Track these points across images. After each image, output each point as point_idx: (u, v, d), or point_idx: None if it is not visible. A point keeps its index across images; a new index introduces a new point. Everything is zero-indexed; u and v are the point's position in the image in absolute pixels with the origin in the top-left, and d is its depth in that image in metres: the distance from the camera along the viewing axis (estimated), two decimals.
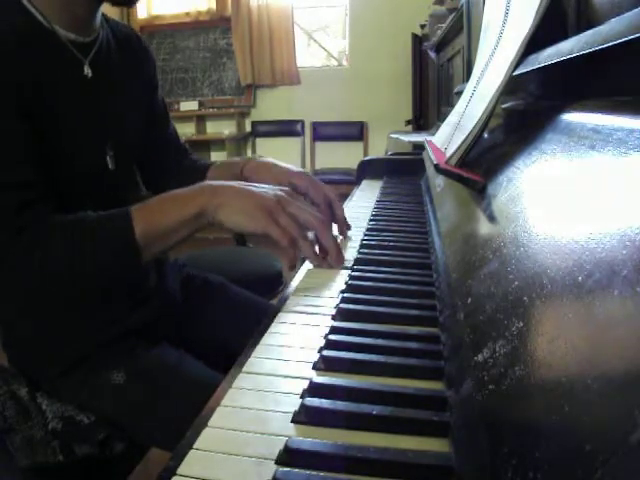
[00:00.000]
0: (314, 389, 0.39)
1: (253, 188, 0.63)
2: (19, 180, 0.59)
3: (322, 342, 0.46)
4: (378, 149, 3.71)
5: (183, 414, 0.44)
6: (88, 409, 0.71)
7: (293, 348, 0.48)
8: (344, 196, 1.13)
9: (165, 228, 0.60)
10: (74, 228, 0.59)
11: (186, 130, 3.98)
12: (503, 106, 0.76)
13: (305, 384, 0.40)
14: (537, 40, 0.53)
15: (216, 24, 4.09)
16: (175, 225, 0.60)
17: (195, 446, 0.34)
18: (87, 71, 0.71)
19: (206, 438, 0.35)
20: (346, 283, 0.60)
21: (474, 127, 0.62)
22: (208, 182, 0.63)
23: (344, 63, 4.22)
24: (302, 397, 0.39)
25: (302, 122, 4.11)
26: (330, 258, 0.65)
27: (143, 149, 0.85)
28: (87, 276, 0.60)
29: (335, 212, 0.78)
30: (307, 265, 0.69)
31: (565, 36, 0.47)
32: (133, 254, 0.59)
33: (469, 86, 0.80)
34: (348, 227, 0.80)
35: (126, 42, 0.82)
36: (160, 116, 0.91)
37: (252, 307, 0.90)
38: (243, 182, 0.66)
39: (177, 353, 0.74)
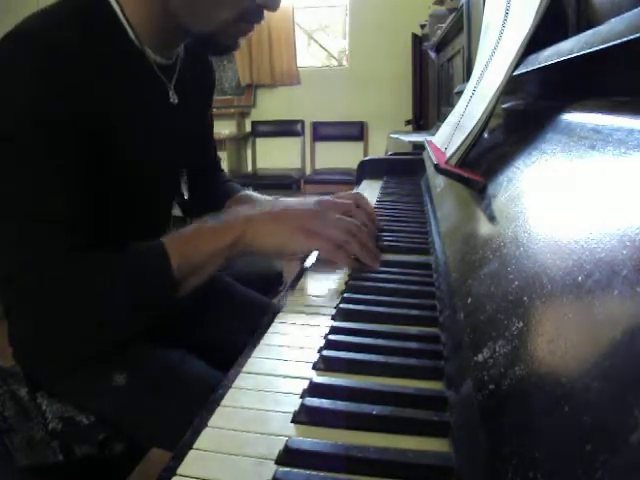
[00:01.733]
0: (314, 389, 0.39)
1: (288, 207, 0.62)
2: (68, 216, 0.57)
3: (322, 342, 0.47)
4: (378, 149, 3.71)
5: (184, 414, 0.44)
6: (89, 410, 0.71)
7: (293, 348, 0.48)
8: None
9: (200, 261, 0.59)
10: (111, 264, 0.58)
11: None
12: (503, 106, 0.76)
13: (305, 384, 0.40)
14: (537, 40, 0.53)
15: None
16: (210, 257, 0.59)
17: (195, 446, 0.34)
18: (172, 97, 0.70)
19: (206, 438, 0.35)
20: (346, 283, 0.60)
21: (474, 127, 0.62)
22: (242, 210, 0.62)
23: (344, 63, 4.22)
24: (302, 397, 0.39)
25: (302, 122, 4.11)
26: (366, 260, 0.64)
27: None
28: (122, 312, 0.59)
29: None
30: (307, 265, 0.69)
31: (565, 36, 0.47)
32: (170, 289, 0.58)
33: (469, 86, 0.80)
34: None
35: (198, 59, 0.79)
36: (208, 132, 0.90)
37: (257, 306, 0.90)
38: (277, 202, 0.65)
39: (179, 353, 0.73)
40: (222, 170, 0.99)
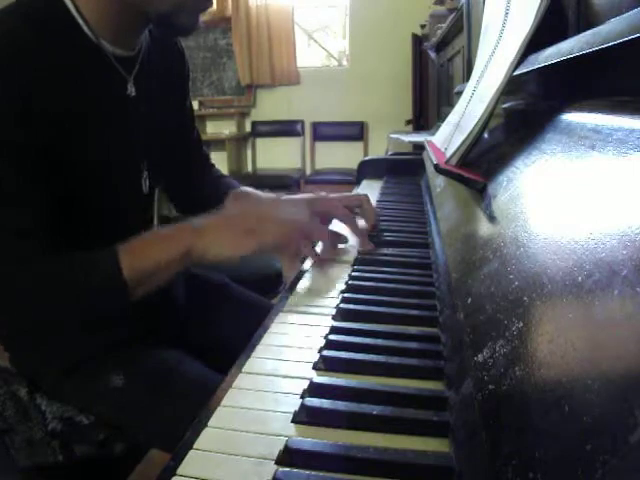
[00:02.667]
0: (314, 389, 0.39)
1: (240, 210, 0.64)
2: (19, 226, 0.58)
3: (322, 342, 0.47)
4: (378, 149, 3.71)
5: (183, 415, 0.44)
6: (88, 411, 0.71)
7: (293, 348, 0.48)
8: None
9: (152, 268, 0.59)
10: (64, 267, 0.59)
11: None
12: (503, 106, 0.76)
13: (305, 384, 0.40)
14: (537, 40, 0.53)
15: (216, 24, 4.09)
16: (162, 265, 0.59)
17: (195, 446, 0.34)
18: (130, 90, 0.69)
19: (206, 438, 0.35)
20: (346, 283, 0.60)
21: (474, 127, 0.62)
22: (190, 222, 0.62)
23: (344, 63, 4.22)
24: (302, 397, 0.39)
25: (302, 122, 4.11)
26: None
27: (171, 163, 0.83)
28: (75, 312, 0.60)
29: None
30: (307, 265, 0.69)
31: (565, 36, 0.47)
32: (121, 294, 0.58)
33: (469, 86, 0.80)
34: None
35: (165, 48, 0.78)
36: (186, 123, 0.89)
37: (255, 307, 0.90)
38: (230, 207, 0.67)
39: (177, 354, 0.73)
40: (213, 165, 0.97)
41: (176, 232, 0.61)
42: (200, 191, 0.92)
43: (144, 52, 0.72)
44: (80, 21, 0.62)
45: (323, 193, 0.76)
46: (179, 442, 0.35)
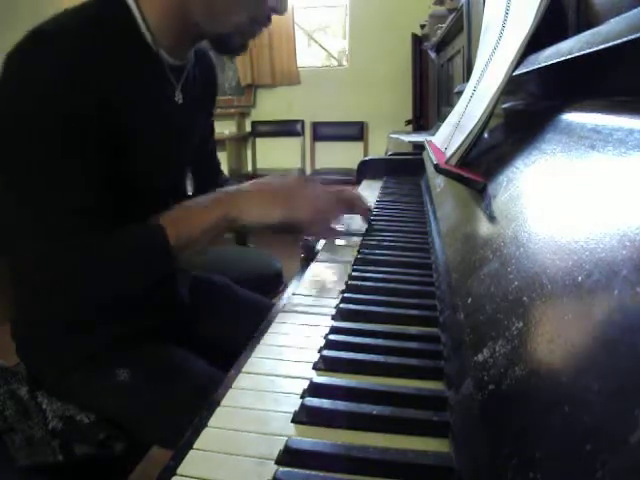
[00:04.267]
0: (314, 389, 0.39)
1: (269, 180, 0.69)
2: (79, 206, 0.61)
3: (322, 342, 0.47)
4: (378, 149, 3.71)
5: (186, 412, 0.44)
6: (91, 407, 0.71)
7: (293, 348, 0.48)
8: None
9: (194, 235, 0.64)
10: (116, 240, 0.63)
11: None
12: (503, 106, 0.76)
13: (305, 384, 0.40)
14: (537, 40, 0.53)
15: None
16: (203, 231, 0.64)
17: (195, 446, 0.34)
18: (178, 97, 0.73)
19: (206, 438, 0.35)
20: (346, 283, 0.60)
21: (474, 127, 0.62)
22: (225, 189, 0.68)
23: (344, 63, 4.21)
24: (302, 397, 0.39)
25: (302, 122, 4.11)
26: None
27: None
28: (126, 283, 0.63)
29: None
30: (306, 266, 0.69)
31: (565, 36, 0.47)
32: (169, 262, 0.63)
33: (469, 86, 0.80)
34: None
35: (202, 61, 0.83)
36: (209, 132, 0.94)
37: (256, 307, 0.90)
38: (264, 178, 0.72)
39: (181, 352, 0.74)
40: (222, 172, 1.02)
41: (212, 199, 0.66)
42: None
43: (190, 62, 0.77)
44: (144, 29, 0.66)
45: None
46: (182, 440, 0.35)
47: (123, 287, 0.63)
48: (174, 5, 0.66)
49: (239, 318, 0.86)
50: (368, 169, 1.40)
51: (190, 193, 0.79)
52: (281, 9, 0.69)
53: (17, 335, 0.75)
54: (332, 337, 0.47)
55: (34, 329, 0.74)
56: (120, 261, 0.62)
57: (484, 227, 0.46)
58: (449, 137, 0.81)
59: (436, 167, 0.74)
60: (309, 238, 0.75)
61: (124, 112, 0.64)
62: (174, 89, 0.73)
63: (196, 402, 0.41)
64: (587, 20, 0.52)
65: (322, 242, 0.81)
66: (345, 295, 0.57)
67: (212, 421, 0.37)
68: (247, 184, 0.68)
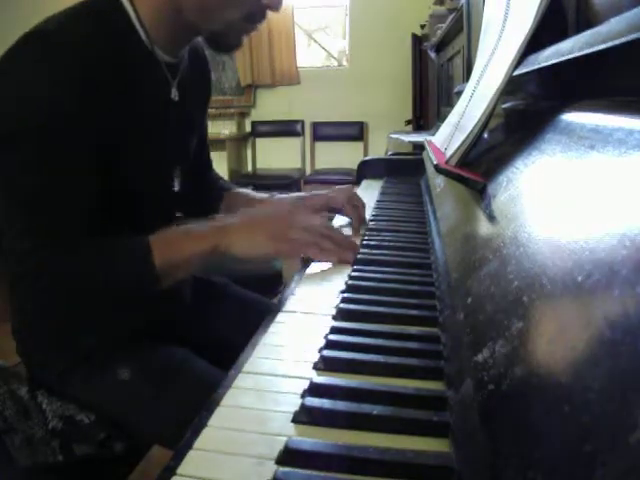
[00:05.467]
0: (314, 389, 0.39)
1: (260, 216, 0.69)
2: (76, 208, 0.62)
3: (322, 342, 0.46)
4: (378, 149, 3.70)
5: (187, 411, 0.44)
6: (91, 407, 0.71)
7: (293, 348, 0.48)
8: None
9: (180, 261, 0.64)
10: (99, 250, 0.63)
11: None
12: (503, 106, 0.76)
13: (305, 384, 0.40)
14: (537, 40, 0.53)
15: None
16: (190, 259, 0.64)
17: (195, 446, 0.34)
18: (174, 94, 0.74)
19: (206, 438, 0.35)
20: (346, 283, 0.60)
21: (474, 127, 0.62)
22: (222, 220, 0.68)
23: (344, 63, 4.22)
24: (302, 397, 0.39)
25: (302, 122, 4.11)
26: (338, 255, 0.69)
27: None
28: (104, 297, 0.64)
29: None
30: (306, 266, 0.69)
31: (565, 36, 0.47)
32: (150, 281, 0.62)
33: (469, 86, 0.80)
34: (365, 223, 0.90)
35: (195, 56, 0.83)
36: (204, 137, 0.94)
37: (256, 307, 0.90)
38: (254, 210, 0.72)
39: (182, 351, 0.74)
40: (214, 170, 1.02)
41: (205, 229, 0.66)
42: (205, 193, 0.96)
43: (184, 61, 0.77)
44: (138, 27, 0.67)
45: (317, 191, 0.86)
46: (182, 439, 0.35)
47: (105, 298, 0.63)
48: (167, 3, 0.67)
49: (239, 318, 0.86)
50: (368, 169, 1.40)
51: (176, 189, 0.78)
52: (276, 6, 0.68)
53: (17, 334, 0.75)
54: (332, 337, 0.47)
55: (34, 328, 0.74)
56: (102, 272, 0.62)
57: (484, 227, 0.46)
58: (449, 137, 0.81)
59: (436, 167, 0.74)
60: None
61: (120, 110, 0.64)
62: (170, 86, 0.73)
63: (197, 401, 0.41)
64: (587, 20, 0.52)
65: None
66: (345, 295, 0.57)
67: (212, 421, 0.37)
68: (240, 217, 0.68)
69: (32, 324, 0.74)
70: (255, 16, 0.68)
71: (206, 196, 0.95)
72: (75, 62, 0.59)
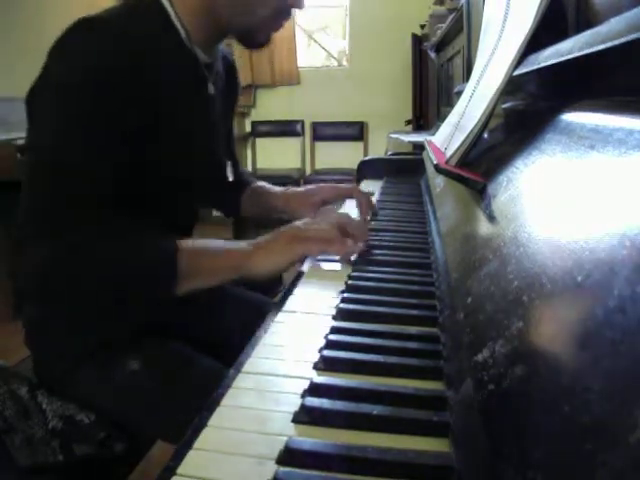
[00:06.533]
0: (314, 389, 0.39)
1: (277, 232, 0.69)
2: (104, 193, 0.63)
3: (322, 342, 0.47)
4: (378, 149, 3.70)
5: (192, 407, 0.44)
6: (94, 401, 0.72)
7: (293, 348, 0.48)
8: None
9: (202, 271, 0.65)
10: (128, 242, 0.63)
11: None
12: (503, 106, 0.76)
13: (305, 384, 0.40)
14: (537, 40, 0.53)
15: None
16: (213, 273, 0.66)
17: (195, 446, 0.34)
18: (211, 89, 0.79)
19: (206, 438, 0.35)
20: (346, 283, 0.60)
21: (474, 127, 0.62)
22: (249, 244, 0.67)
23: (344, 63, 4.21)
24: (302, 397, 0.39)
25: (302, 122, 4.11)
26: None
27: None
28: (120, 288, 0.63)
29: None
30: (307, 265, 0.69)
31: (565, 36, 0.47)
32: (169, 283, 0.62)
33: (469, 86, 0.80)
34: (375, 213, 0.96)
35: (225, 61, 0.89)
36: (231, 132, 1.00)
37: (256, 307, 0.90)
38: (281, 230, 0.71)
39: (188, 348, 0.75)
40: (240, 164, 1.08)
41: (233, 248, 0.67)
42: (230, 186, 0.99)
43: (218, 60, 0.82)
44: (179, 26, 0.71)
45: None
46: (184, 437, 0.35)
47: (122, 289, 0.63)
48: (203, 2, 0.71)
49: (239, 318, 0.86)
50: (368, 169, 1.40)
51: (231, 179, 0.85)
52: (300, 4, 0.73)
53: (27, 324, 0.76)
54: (332, 337, 0.47)
55: (45, 320, 0.76)
56: (125, 264, 0.62)
57: (484, 227, 0.46)
58: (449, 137, 0.81)
59: (436, 167, 0.74)
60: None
61: (165, 101, 0.68)
62: (207, 83, 0.78)
63: (202, 396, 0.41)
64: (587, 20, 0.52)
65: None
66: (345, 295, 0.57)
67: (212, 421, 0.37)
68: (267, 237, 0.68)
69: (48, 313, 0.74)
70: (282, 13, 0.73)
71: (233, 189, 1.01)
72: (121, 51, 0.62)
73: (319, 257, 0.71)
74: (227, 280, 0.67)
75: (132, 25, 0.65)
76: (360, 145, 4.06)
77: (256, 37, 0.76)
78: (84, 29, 0.62)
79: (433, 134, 1.22)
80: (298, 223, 0.70)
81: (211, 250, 0.66)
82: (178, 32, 0.71)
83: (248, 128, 4.24)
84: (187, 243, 0.64)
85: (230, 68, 0.92)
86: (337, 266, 0.68)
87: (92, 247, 0.61)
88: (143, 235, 0.64)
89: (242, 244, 0.67)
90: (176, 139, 0.72)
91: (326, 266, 0.69)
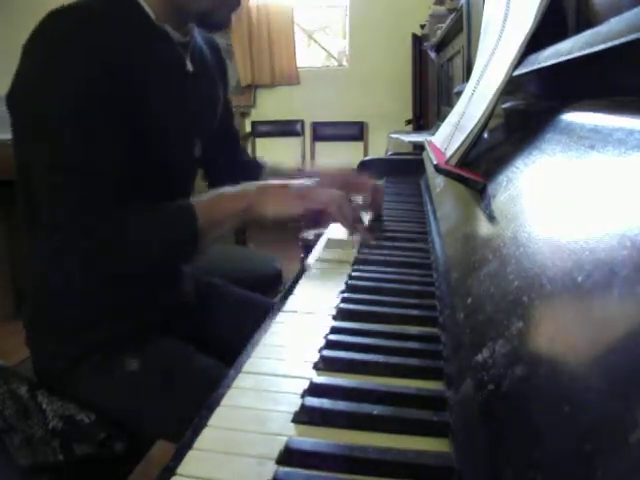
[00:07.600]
0: (314, 389, 0.39)
1: (291, 182, 0.74)
2: (112, 177, 0.67)
3: (322, 342, 0.46)
4: (378, 149, 3.70)
5: (193, 406, 0.44)
6: (95, 400, 0.72)
7: (293, 348, 0.48)
8: None
9: (220, 220, 0.71)
10: (149, 215, 0.69)
11: None
12: (503, 106, 0.76)
13: (305, 384, 0.40)
14: (537, 40, 0.53)
15: None
16: (228, 217, 0.71)
17: (195, 446, 0.34)
18: (189, 66, 0.80)
19: (206, 438, 0.35)
20: (346, 283, 0.60)
21: (474, 127, 0.62)
22: (255, 182, 0.74)
23: (344, 63, 4.21)
24: (302, 397, 0.39)
25: (302, 122, 4.10)
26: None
27: (211, 143, 0.94)
28: (153, 257, 0.69)
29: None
30: (306, 265, 0.69)
31: (565, 36, 0.47)
32: (196, 241, 0.68)
33: (469, 86, 0.80)
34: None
35: (209, 44, 0.90)
36: (228, 113, 1.01)
37: (256, 307, 0.90)
38: (285, 181, 0.76)
39: (190, 348, 0.75)
40: (244, 149, 1.12)
41: (241, 190, 0.72)
42: (230, 170, 1.00)
43: (195, 40, 0.83)
44: (148, 10, 0.73)
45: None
46: (184, 437, 0.35)
47: (151, 260, 0.69)
48: None
49: (239, 318, 0.86)
50: (368, 169, 1.40)
51: (197, 156, 0.85)
52: None
53: (27, 324, 0.75)
54: (332, 337, 0.47)
55: (45, 320, 0.76)
56: (150, 233, 0.68)
57: (484, 227, 0.46)
58: (449, 137, 0.81)
59: (436, 167, 0.74)
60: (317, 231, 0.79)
61: (141, 81, 0.70)
62: (184, 59, 0.79)
63: (202, 396, 0.41)
64: (587, 20, 0.52)
65: (321, 242, 0.81)
66: (345, 295, 0.57)
67: (212, 421, 0.37)
68: (272, 182, 0.75)
69: (48, 313, 0.74)
70: None
71: (243, 169, 1.02)
72: (94, 37, 0.64)
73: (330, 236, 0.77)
74: (242, 221, 0.73)
75: (105, 11, 0.67)
76: (360, 145, 4.05)
77: (214, 18, 0.76)
78: (58, 20, 0.64)
79: (433, 134, 1.22)
80: (309, 181, 0.75)
81: (221, 197, 0.71)
82: (148, 15, 0.73)
83: (248, 128, 4.24)
84: (198, 199, 0.70)
85: (214, 49, 0.93)
86: (338, 265, 0.68)
87: (123, 223, 0.66)
88: (159, 206, 0.69)
89: (247, 185, 0.72)
90: (154, 118, 0.73)
91: (326, 266, 0.69)
